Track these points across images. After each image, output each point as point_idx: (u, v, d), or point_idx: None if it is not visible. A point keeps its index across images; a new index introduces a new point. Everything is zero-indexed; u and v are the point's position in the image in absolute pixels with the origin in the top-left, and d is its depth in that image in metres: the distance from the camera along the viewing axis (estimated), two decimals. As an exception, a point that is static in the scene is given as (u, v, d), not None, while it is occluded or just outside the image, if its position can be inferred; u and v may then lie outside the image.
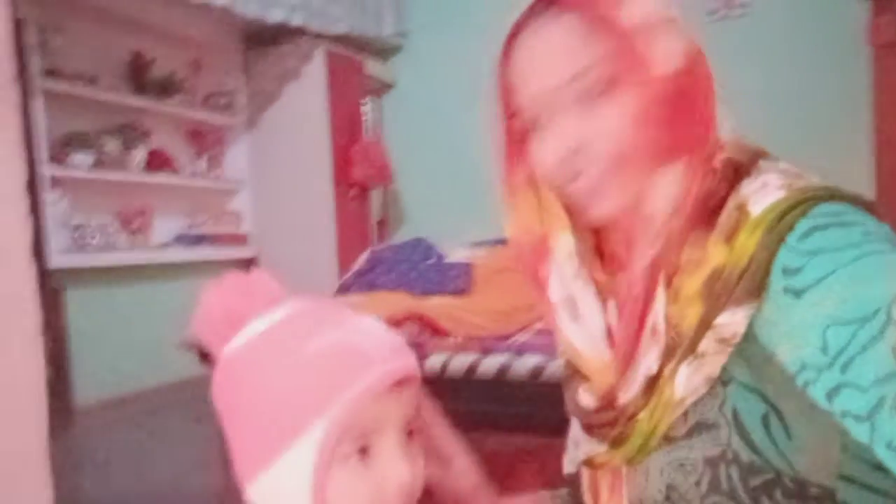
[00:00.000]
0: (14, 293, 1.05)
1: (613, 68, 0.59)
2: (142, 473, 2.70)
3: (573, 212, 0.68)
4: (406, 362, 0.53)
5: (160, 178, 3.96)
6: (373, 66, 4.60)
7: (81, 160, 3.53)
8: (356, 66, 4.45)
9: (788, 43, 3.58)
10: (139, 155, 3.87)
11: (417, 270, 2.55)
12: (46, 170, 3.31)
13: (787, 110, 3.38)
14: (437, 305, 2.14)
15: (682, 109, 0.59)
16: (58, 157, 3.46)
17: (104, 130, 3.74)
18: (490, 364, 1.73)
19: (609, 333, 0.66)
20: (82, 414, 3.40)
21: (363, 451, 0.51)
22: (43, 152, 3.29)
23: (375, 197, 4.68)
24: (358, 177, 4.28)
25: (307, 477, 0.49)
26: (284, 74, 4.28)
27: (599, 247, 0.70)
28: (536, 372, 1.66)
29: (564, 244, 0.68)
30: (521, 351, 1.76)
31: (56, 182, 3.43)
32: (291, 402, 0.50)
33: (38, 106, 3.24)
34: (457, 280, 2.56)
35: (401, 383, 0.53)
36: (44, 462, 1.04)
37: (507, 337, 1.97)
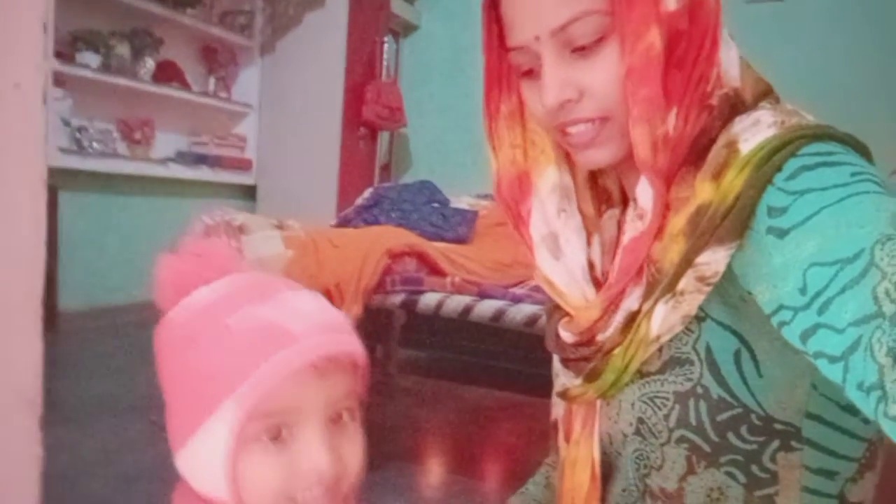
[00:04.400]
0: (24, 188, 1.00)
1: (622, 7, 0.55)
2: (119, 381, 2.69)
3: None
4: (336, 340, 0.50)
5: (168, 90, 3.87)
6: (398, 5, 4.49)
7: (89, 60, 3.43)
8: (381, 3, 4.33)
9: (827, 26, 3.50)
10: (149, 63, 3.77)
11: (420, 212, 2.51)
12: (52, 65, 3.22)
13: (826, 93, 3.32)
14: (437, 247, 2.10)
15: (690, 48, 0.56)
16: (65, 54, 3.36)
17: (115, 33, 3.63)
18: (486, 307, 1.70)
19: (591, 269, 0.66)
20: (64, 318, 3.37)
21: (277, 434, 0.49)
22: (50, 46, 3.19)
23: (382, 141, 4.61)
24: (369, 116, 4.20)
25: (221, 453, 0.48)
26: (306, 1, 4.16)
27: (593, 178, 0.69)
28: (532, 320, 1.64)
29: (549, 178, 0.67)
30: (517, 299, 1.73)
31: (60, 80, 3.33)
32: (209, 379, 0.49)
33: (50, -3, 3.13)
34: (458, 227, 2.52)
35: (328, 364, 0.49)
36: (37, 362, 1.01)
37: (504, 287, 1.94)
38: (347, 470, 0.52)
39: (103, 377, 2.74)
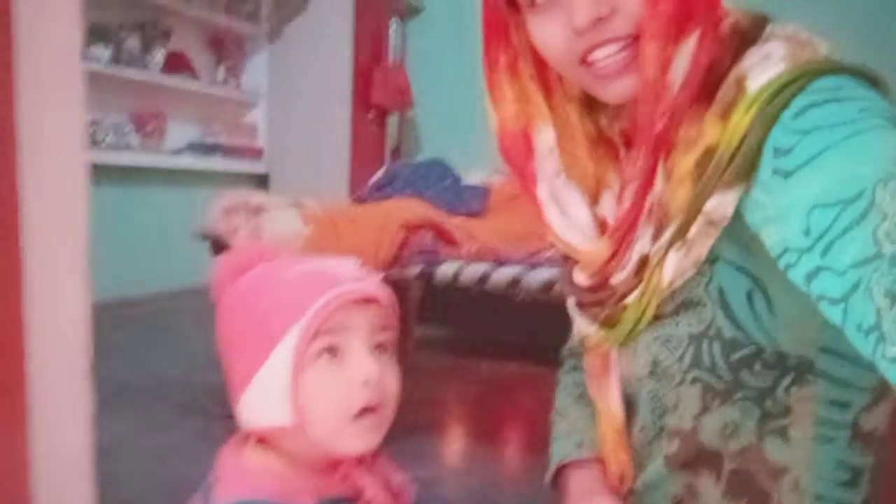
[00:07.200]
0: (68, 188, 1.05)
1: None
2: (137, 369, 2.74)
3: (569, 94, 0.65)
4: (373, 284, 0.60)
5: (178, 81, 3.90)
6: (402, -12, 4.48)
7: (99, 53, 3.46)
8: (385, -14, 4.34)
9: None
10: (158, 55, 3.80)
11: (434, 189, 2.53)
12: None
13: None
14: (452, 220, 2.12)
15: None
16: (76, 48, 3.39)
17: (124, 25, 3.66)
18: (503, 274, 1.72)
19: (602, 227, 0.64)
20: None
21: (333, 352, 0.57)
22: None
23: (391, 124, 4.62)
24: (378, 99, 4.22)
25: (286, 376, 0.56)
26: (311, -13, 4.17)
27: (601, 134, 0.67)
28: (548, 286, 1.65)
29: (545, 139, 0.65)
30: (534, 265, 1.75)
31: (73, 73, 3.37)
32: (273, 315, 0.57)
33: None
34: (472, 202, 2.54)
35: (368, 300, 0.59)
36: (85, 312, 1.06)
37: (521, 255, 1.96)
38: (389, 395, 0.59)
39: (128, 363, 2.79)
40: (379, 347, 0.59)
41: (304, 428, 0.56)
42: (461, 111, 4.34)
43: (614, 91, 0.58)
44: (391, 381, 0.60)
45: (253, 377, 0.57)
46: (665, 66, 0.54)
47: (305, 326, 0.55)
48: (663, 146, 0.57)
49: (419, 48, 4.66)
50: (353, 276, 0.59)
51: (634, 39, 0.55)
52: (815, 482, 0.61)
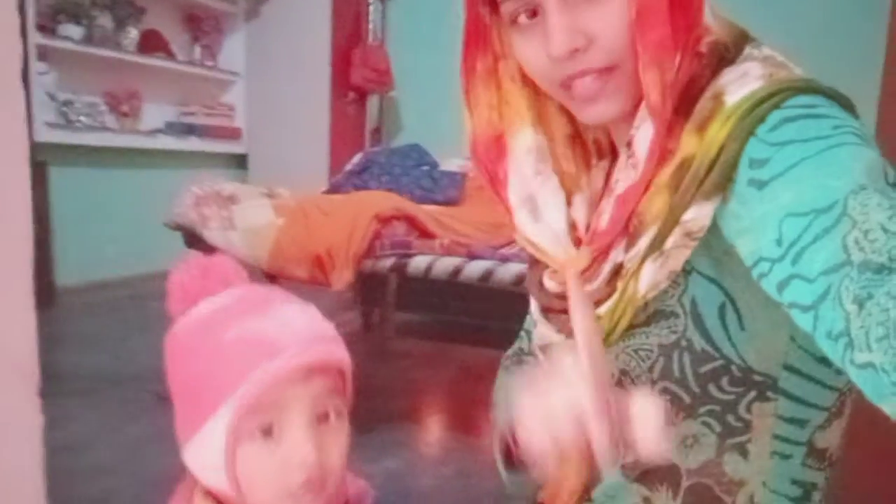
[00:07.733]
0: (6, 163, 0.99)
1: None
2: (117, 354, 2.72)
3: (544, 103, 0.66)
4: (320, 351, 0.56)
5: (154, 60, 3.83)
6: (382, -34, 4.41)
7: (71, 32, 3.39)
8: (365, -37, 4.26)
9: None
10: (132, 34, 3.73)
11: (410, 176, 2.52)
12: (34, 39, 3.18)
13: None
14: (426, 210, 2.12)
15: None
16: (46, 27, 3.32)
17: (96, 3, 3.58)
18: (475, 268, 1.72)
19: (574, 229, 0.65)
20: (62, 293, 3.40)
21: (269, 431, 0.54)
22: (31, 19, 3.16)
23: (372, 105, 4.58)
24: (357, 80, 4.17)
25: (220, 450, 0.54)
26: (289, -36, 4.09)
27: (578, 135, 0.68)
28: (520, 279, 1.66)
29: (523, 140, 0.66)
30: (505, 259, 1.75)
31: (43, 53, 3.30)
32: (209, 383, 0.55)
33: (28, -32, 3.08)
34: (448, 189, 2.53)
35: (312, 370, 0.55)
36: (31, 334, 1.02)
37: (493, 248, 1.96)
38: (331, 466, 0.56)
39: (103, 350, 2.78)
40: (322, 417, 0.56)
41: (242, 498, 0.55)
42: (442, 92, 4.31)
43: (593, 114, 0.60)
44: (334, 452, 0.57)
45: (194, 435, 0.56)
46: (665, 90, 0.55)
47: (237, 406, 0.53)
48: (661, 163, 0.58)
49: (400, 28, 4.60)
50: (298, 340, 0.55)
51: (609, 71, 0.57)
52: (770, 497, 0.62)
